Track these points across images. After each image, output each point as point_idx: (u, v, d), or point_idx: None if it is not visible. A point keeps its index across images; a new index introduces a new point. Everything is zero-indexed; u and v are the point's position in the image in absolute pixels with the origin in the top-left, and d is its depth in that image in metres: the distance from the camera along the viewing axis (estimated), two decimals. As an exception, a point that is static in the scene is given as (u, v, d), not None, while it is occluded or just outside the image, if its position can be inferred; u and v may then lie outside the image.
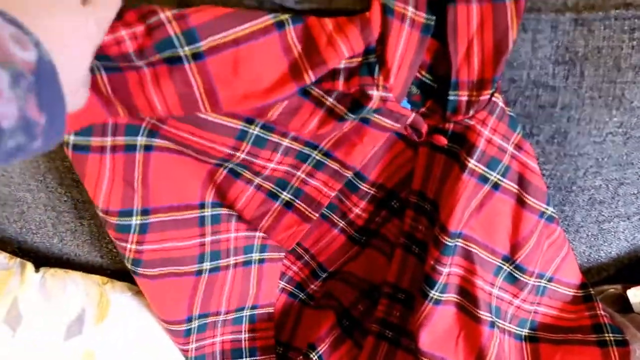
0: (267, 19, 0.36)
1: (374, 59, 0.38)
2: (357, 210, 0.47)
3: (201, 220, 0.45)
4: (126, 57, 0.34)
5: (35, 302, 0.45)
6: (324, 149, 0.44)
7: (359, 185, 0.46)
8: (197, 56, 0.35)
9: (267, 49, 0.36)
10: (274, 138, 0.42)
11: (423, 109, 0.43)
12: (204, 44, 0.35)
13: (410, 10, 0.38)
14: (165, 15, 0.34)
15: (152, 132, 0.40)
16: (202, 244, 0.45)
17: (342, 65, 0.38)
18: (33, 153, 0.26)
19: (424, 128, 0.42)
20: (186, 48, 0.35)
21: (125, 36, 0.34)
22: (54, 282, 0.47)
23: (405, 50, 0.39)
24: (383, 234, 0.49)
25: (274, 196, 0.45)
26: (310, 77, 0.37)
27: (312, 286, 0.51)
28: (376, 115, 0.41)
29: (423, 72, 0.42)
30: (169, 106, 0.36)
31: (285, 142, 0.42)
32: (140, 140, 0.40)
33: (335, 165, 0.44)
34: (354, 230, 0.49)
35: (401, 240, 0.47)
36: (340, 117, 0.40)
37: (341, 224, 0.48)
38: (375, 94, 0.38)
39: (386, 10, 0.37)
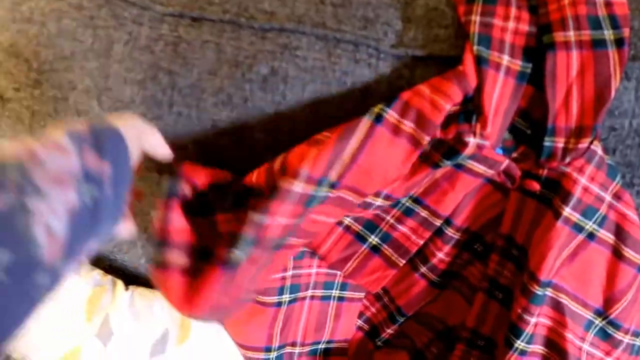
0: (365, 122, 0.39)
1: (472, 107, 0.39)
2: (440, 255, 0.47)
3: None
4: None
5: (125, 319, 0.48)
6: (414, 195, 0.44)
7: (444, 229, 0.46)
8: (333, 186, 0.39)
9: (381, 145, 0.39)
10: None
11: (515, 154, 0.42)
12: (332, 177, 0.39)
13: (505, 59, 0.39)
14: (298, 184, 0.38)
15: None
16: (284, 278, 0.46)
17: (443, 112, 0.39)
18: (110, 206, 0.28)
19: (518, 174, 0.42)
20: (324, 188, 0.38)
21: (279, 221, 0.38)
22: (142, 301, 0.49)
23: (500, 97, 0.39)
24: (464, 276, 0.48)
25: (361, 239, 0.46)
26: (426, 140, 0.39)
27: (389, 330, 0.51)
28: (470, 162, 0.41)
29: (516, 118, 0.42)
30: None
31: None
32: None
33: (424, 213, 0.44)
34: (435, 276, 0.48)
35: (484, 285, 0.46)
36: (434, 164, 0.40)
37: (422, 269, 0.48)
38: (472, 141, 0.39)
39: (480, 61, 0.38)
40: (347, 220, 0.45)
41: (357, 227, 0.46)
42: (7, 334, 0.22)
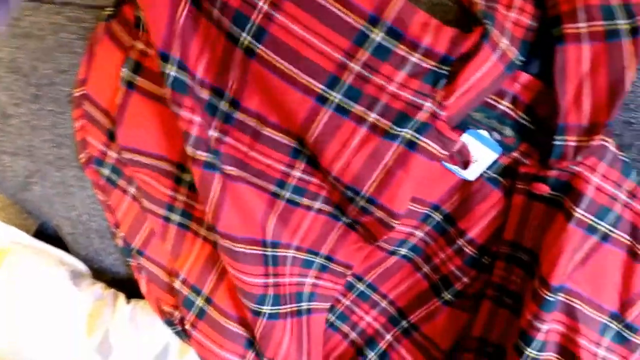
0: None
1: (446, 71, 0.34)
2: (442, 256, 0.42)
3: (265, 259, 0.40)
4: None
5: (126, 334, 0.43)
6: (366, 195, 0.37)
7: (447, 228, 0.41)
8: None
9: None
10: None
11: (516, 153, 0.37)
12: None
13: (504, 42, 0.34)
14: None
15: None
16: (266, 285, 0.41)
17: (413, 59, 0.34)
18: None
19: (470, 157, 0.37)
20: None
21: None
22: (144, 314, 0.45)
23: (483, 77, 0.34)
24: (469, 293, 0.42)
25: (335, 217, 0.41)
26: (390, 16, 0.33)
27: (389, 337, 0.45)
28: (423, 139, 0.36)
29: (519, 113, 0.37)
30: None
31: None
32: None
33: (379, 214, 0.38)
34: (438, 279, 0.42)
35: (489, 293, 0.41)
36: (385, 132, 0.35)
37: (425, 269, 0.43)
38: (426, 105, 0.34)
39: (484, 35, 0.33)
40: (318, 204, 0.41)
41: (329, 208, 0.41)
42: None
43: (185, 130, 0.37)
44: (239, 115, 0.38)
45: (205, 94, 0.38)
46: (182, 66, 0.36)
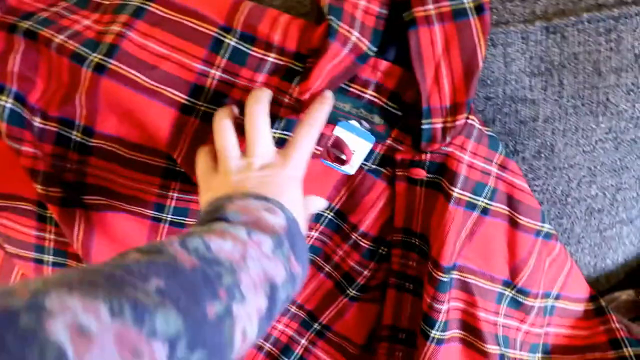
0: None
1: (300, 67, 0.34)
2: (340, 252, 0.41)
3: None
4: None
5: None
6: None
7: (340, 224, 0.40)
8: None
9: None
10: None
11: (389, 140, 0.37)
12: None
13: (355, 35, 0.33)
14: None
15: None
16: None
17: (270, 58, 0.34)
18: (291, 300, 0.28)
19: (345, 151, 0.37)
20: None
21: None
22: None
23: (333, 69, 0.34)
24: (373, 285, 0.42)
25: None
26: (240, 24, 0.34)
27: (303, 341, 0.44)
28: (289, 134, 0.35)
29: (385, 100, 0.36)
30: None
31: None
32: None
33: None
34: (340, 276, 0.42)
35: (392, 281, 0.41)
36: None
37: (327, 269, 0.42)
38: (285, 101, 0.34)
39: (329, 32, 0.32)
40: None
41: None
42: None
43: (31, 167, 0.33)
44: (95, 143, 0.35)
45: (51, 126, 0.34)
46: (19, 97, 0.33)
